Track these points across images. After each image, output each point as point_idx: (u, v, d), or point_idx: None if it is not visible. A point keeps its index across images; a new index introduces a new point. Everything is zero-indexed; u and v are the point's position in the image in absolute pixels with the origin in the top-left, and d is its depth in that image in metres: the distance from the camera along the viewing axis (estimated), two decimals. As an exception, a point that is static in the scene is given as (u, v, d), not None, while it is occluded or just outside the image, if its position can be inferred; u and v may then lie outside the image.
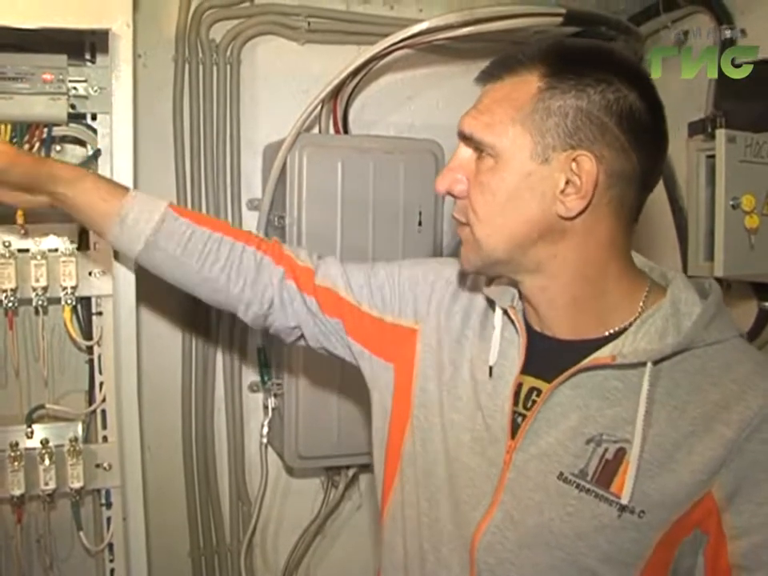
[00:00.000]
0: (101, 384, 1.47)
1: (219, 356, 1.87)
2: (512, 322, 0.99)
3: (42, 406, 1.46)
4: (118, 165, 1.36)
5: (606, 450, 0.89)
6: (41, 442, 1.42)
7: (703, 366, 0.89)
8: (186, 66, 1.77)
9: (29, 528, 1.49)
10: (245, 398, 1.89)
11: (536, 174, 0.88)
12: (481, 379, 1.00)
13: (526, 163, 0.88)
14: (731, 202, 1.54)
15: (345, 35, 1.84)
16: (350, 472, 1.93)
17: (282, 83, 1.84)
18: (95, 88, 1.37)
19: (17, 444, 1.40)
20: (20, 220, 1.34)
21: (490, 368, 0.99)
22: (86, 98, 1.37)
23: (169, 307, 1.80)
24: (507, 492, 0.94)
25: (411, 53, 1.78)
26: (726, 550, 0.87)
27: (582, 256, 0.91)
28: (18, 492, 1.37)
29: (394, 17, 1.87)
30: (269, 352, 1.83)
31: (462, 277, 1.10)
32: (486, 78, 0.94)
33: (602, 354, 0.91)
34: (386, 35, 1.61)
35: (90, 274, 1.42)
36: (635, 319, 0.92)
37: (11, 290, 1.36)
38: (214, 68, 1.78)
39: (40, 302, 1.38)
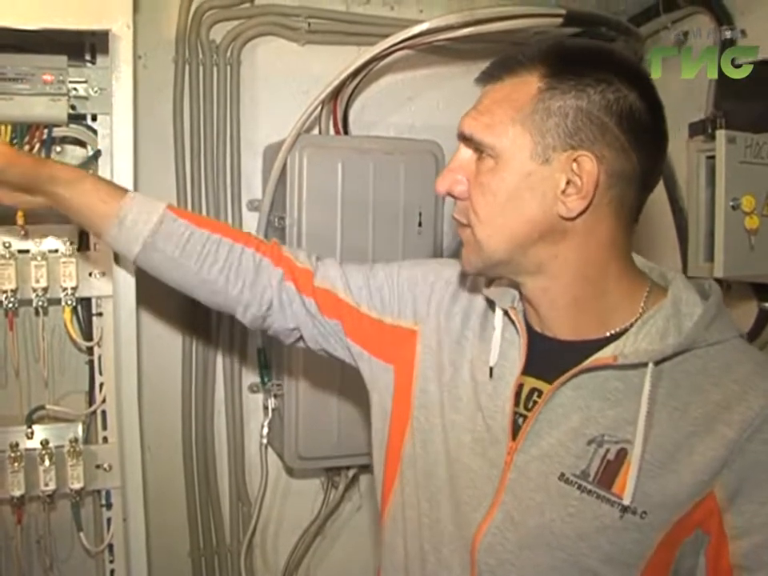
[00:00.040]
0: (101, 385, 1.47)
1: (219, 357, 1.87)
2: (512, 322, 0.99)
3: (42, 407, 1.46)
4: (118, 166, 1.36)
5: (608, 450, 0.89)
6: (41, 443, 1.42)
7: (704, 367, 0.89)
8: (187, 67, 1.77)
9: (29, 529, 1.49)
10: (245, 399, 1.89)
11: (536, 174, 0.88)
12: (481, 380, 1.00)
13: (526, 164, 0.88)
14: (731, 203, 1.54)
15: (345, 36, 1.84)
16: (350, 473, 1.93)
17: (282, 84, 1.84)
18: (95, 89, 1.37)
19: (17, 445, 1.40)
20: (20, 221, 1.34)
21: (491, 369, 0.99)
22: (86, 98, 1.37)
23: (169, 308, 1.80)
24: (508, 493, 0.94)
25: (411, 53, 1.78)
26: (727, 550, 0.87)
27: (582, 256, 0.91)
28: (18, 493, 1.38)
29: (394, 17, 1.87)
30: (269, 353, 1.83)
31: (462, 278, 1.10)
32: (485, 78, 0.94)
33: (604, 355, 0.91)
34: (387, 36, 1.61)
35: (90, 274, 1.42)
36: (636, 320, 0.92)
37: (11, 290, 1.36)
38: (215, 69, 1.78)
39: (40, 303, 1.39)
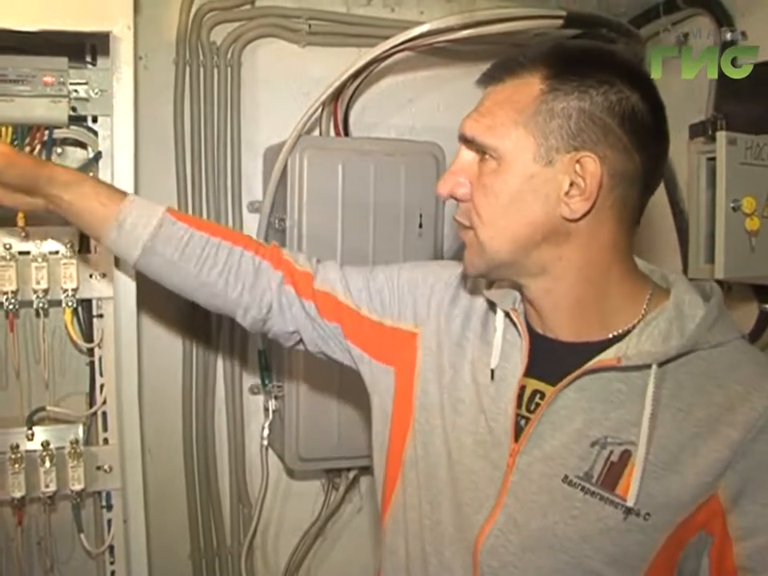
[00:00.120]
0: (101, 386, 1.47)
1: (220, 358, 1.87)
2: (513, 324, 0.99)
3: (43, 408, 1.45)
4: (119, 167, 1.36)
5: (611, 452, 0.89)
6: (41, 444, 1.41)
7: (707, 368, 0.89)
8: (187, 69, 1.77)
9: (29, 530, 1.49)
10: (245, 401, 1.89)
11: (539, 176, 0.88)
12: (483, 382, 1.00)
13: (529, 165, 0.88)
14: (732, 204, 1.54)
15: (345, 37, 1.84)
16: (351, 474, 1.94)
17: (283, 85, 1.84)
18: (96, 90, 1.37)
19: (17, 446, 1.40)
20: (21, 222, 1.34)
21: (492, 371, 0.99)
22: (86, 100, 1.37)
23: (169, 309, 1.79)
24: (510, 495, 0.94)
25: (412, 55, 1.78)
26: (731, 551, 0.87)
27: (585, 258, 0.91)
28: (18, 494, 1.37)
29: (394, 19, 1.87)
30: (269, 354, 1.83)
31: (462, 279, 1.10)
32: (487, 80, 0.94)
33: (607, 356, 0.91)
34: (387, 38, 1.61)
35: (90, 276, 1.42)
36: (638, 321, 0.92)
37: (12, 292, 1.36)
38: (215, 70, 1.78)
39: (41, 305, 1.38)
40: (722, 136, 1.54)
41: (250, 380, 1.89)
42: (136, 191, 1.35)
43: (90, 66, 1.42)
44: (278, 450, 1.84)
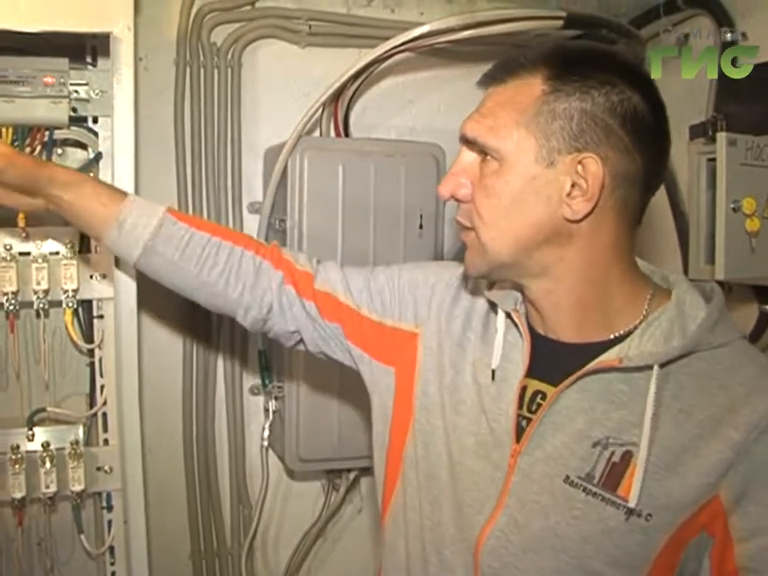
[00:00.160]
0: (102, 387, 1.47)
1: (220, 359, 1.87)
2: (515, 325, 0.99)
3: (43, 409, 1.46)
4: (119, 168, 1.36)
5: (613, 453, 0.89)
6: (42, 445, 1.41)
7: (709, 369, 0.89)
8: (187, 69, 1.77)
9: (30, 531, 1.49)
10: (246, 401, 1.89)
11: (541, 177, 0.88)
12: (484, 383, 1.00)
13: (530, 166, 0.88)
14: (732, 205, 1.54)
15: (346, 38, 1.84)
16: (351, 475, 1.93)
17: (283, 86, 1.84)
18: (96, 91, 1.37)
19: (18, 447, 1.40)
20: (21, 223, 1.34)
21: (493, 371, 0.99)
22: (87, 101, 1.37)
23: (170, 310, 1.79)
24: (512, 496, 0.94)
25: (412, 56, 1.78)
26: (732, 552, 0.87)
27: (587, 259, 0.91)
28: (19, 495, 1.37)
29: (395, 20, 1.87)
30: (270, 355, 1.83)
31: (463, 280, 1.10)
32: (488, 81, 0.94)
33: (609, 357, 0.91)
34: (387, 38, 1.61)
35: (91, 277, 1.42)
36: (640, 322, 0.92)
37: (12, 292, 1.36)
38: (215, 71, 1.78)
39: (41, 305, 1.38)
40: (722, 137, 1.54)
41: (251, 380, 1.89)
42: (136, 192, 1.34)
43: (90, 67, 1.43)
44: (278, 451, 1.84)
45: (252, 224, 1.79)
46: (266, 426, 1.82)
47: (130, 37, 1.32)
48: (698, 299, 0.93)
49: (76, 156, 1.48)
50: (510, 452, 0.95)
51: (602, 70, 0.88)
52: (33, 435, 1.42)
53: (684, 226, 1.79)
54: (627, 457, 0.88)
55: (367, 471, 1.87)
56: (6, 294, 1.36)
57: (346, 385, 1.66)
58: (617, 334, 0.93)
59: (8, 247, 1.37)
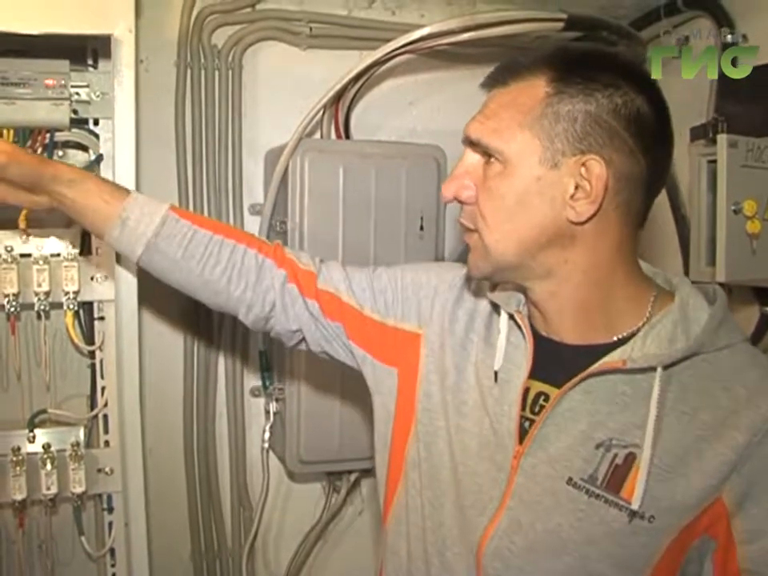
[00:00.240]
0: (102, 389, 1.47)
1: (221, 360, 1.87)
2: (518, 326, 0.99)
3: (44, 411, 1.46)
4: (120, 170, 1.36)
5: (616, 455, 0.89)
6: (42, 447, 1.41)
7: (712, 371, 0.89)
8: (188, 71, 1.77)
9: (31, 533, 1.49)
10: (246, 403, 1.89)
11: (545, 179, 0.88)
12: (486, 384, 1.00)
13: (534, 168, 0.88)
14: (733, 207, 1.54)
15: (346, 40, 1.84)
16: (352, 477, 1.93)
17: (284, 88, 1.84)
18: (97, 93, 1.37)
19: (19, 449, 1.40)
20: (22, 225, 1.34)
21: (495, 373, 0.99)
22: (88, 103, 1.37)
23: (170, 312, 1.79)
24: (514, 497, 0.94)
25: (413, 58, 1.78)
26: (735, 554, 0.87)
27: (590, 261, 0.91)
28: (19, 497, 1.37)
29: (395, 22, 1.87)
30: (271, 356, 1.83)
31: (466, 281, 1.10)
32: (491, 83, 0.94)
33: (612, 359, 0.91)
34: (388, 40, 1.61)
35: (92, 278, 1.42)
36: (643, 324, 0.93)
37: (13, 294, 1.36)
38: (216, 73, 1.78)
39: (42, 307, 1.38)
40: (722, 138, 1.54)
41: (251, 382, 1.89)
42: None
43: (91, 69, 1.43)
44: (278, 453, 1.84)
45: (253, 226, 1.79)
46: (267, 427, 1.81)
47: (130, 39, 1.32)
48: (701, 301, 0.93)
49: (77, 158, 1.47)
50: (512, 453, 0.95)
51: (606, 72, 0.88)
52: (34, 437, 1.42)
53: (685, 227, 1.79)
54: (630, 459, 0.88)
55: (368, 473, 1.87)
56: (7, 295, 1.36)
57: (346, 386, 1.66)
58: (620, 336, 0.93)
59: (9, 249, 1.37)
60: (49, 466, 1.39)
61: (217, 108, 1.79)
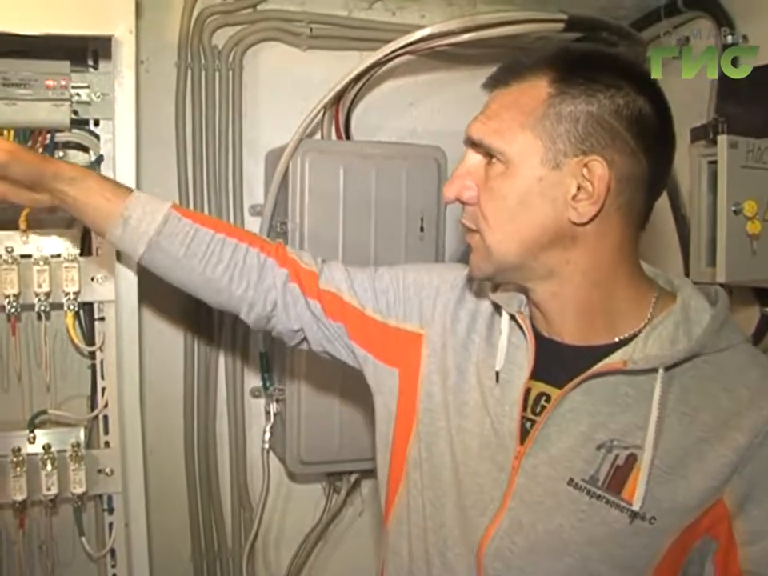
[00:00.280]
0: (103, 389, 1.47)
1: (221, 361, 1.87)
2: (519, 327, 0.99)
3: (44, 412, 1.46)
4: (121, 170, 1.36)
5: (617, 456, 0.89)
6: (43, 448, 1.41)
7: (714, 372, 0.89)
8: (189, 72, 1.77)
9: (31, 533, 1.49)
10: (247, 403, 1.89)
11: (547, 179, 0.88)
12: (488, 384, 1.00)
13: (536, 169, 0.88)
14: (733, 208, 1.54)
15: (347, 41, 1.84)
16: (352, 477, 1.93)
17: (284, 89, 1.84)
18: (98, 94, 1.37)
19: (19, 449, 1.40)
20: (23, 225, 1.34)
21: (497, 373, 0.99)
22: (88, 103, 1.37)
23: (171, 312, 1.79)
24: (516, 498, 0.94)
25: (413, 59, 1.78)
26: (736, 556, 0.87)
27: (592, 262, 0.91)
28: (20, 497, 1.37)
29: (396, 23, 1.87)
30: (271, 357, 1.83)
31: (468, 281, 1.10)
32: (493, 83, 0.94)
33: (613, 360, 0.91)
34: (388, 41, 1.61)
35: (92, 279, 1.42)
36: (645, 325, 0.93)
37: (14, 295, 1.36)
38: (217, 74, 1.78)
39: (42, 308, 1.38)
40: (723, 139, 1.54)
41: (252, 382, 1.89)
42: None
43: (91, 70, 1.43)
44: (279, 454, 1.84)
45: (253, 226, 1.78)
46: (267, 428, 1.81)
47: (131, 39, 1.32)
48: (702, 303, 0.93)
49: (77, 159, 1.47)
50: (513, 454, 0.95)
51: (608, 72, 0.88)
52: (34, 438, 1.42)
53: (685, 228, 1.79)
54: (631, 460, 0.88)
55: (368, 473, 1.87)
56: (7, 296, 1.36)
57: (347, 387, 1.66)
58: (621, 337, 0.93)
59: (9, 249, 1.37)
60: (49, 467, 1.39)
61: (217, 109, 1.79)
